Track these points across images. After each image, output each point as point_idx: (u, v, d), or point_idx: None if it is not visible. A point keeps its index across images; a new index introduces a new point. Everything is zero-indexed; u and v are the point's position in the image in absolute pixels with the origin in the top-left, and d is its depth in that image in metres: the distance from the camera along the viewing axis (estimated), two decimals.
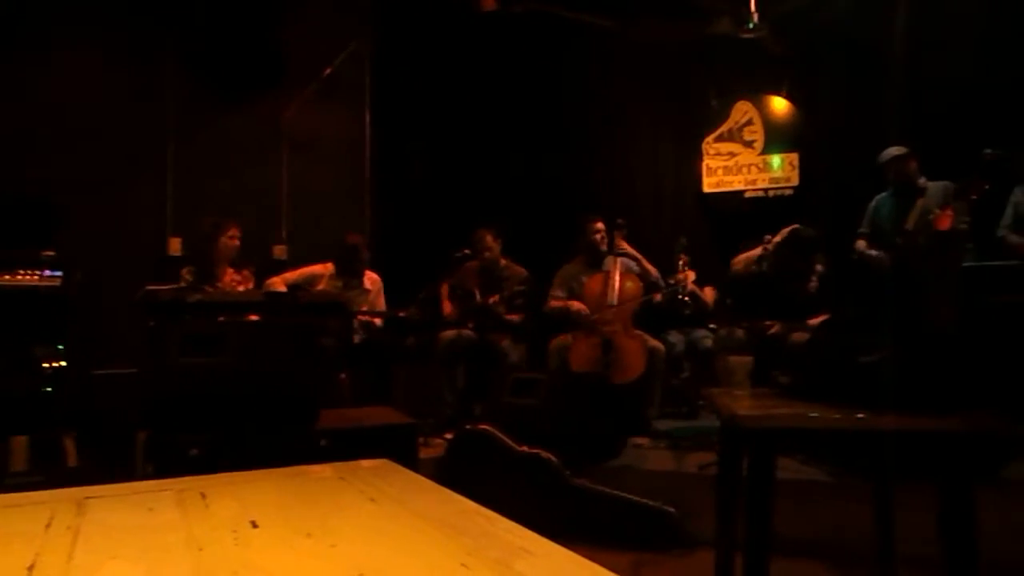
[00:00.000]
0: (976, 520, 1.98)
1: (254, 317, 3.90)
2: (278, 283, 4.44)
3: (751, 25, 4.94)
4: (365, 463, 1.52)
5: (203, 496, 1.26)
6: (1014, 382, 3.41)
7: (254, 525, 1.09)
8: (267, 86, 5.19)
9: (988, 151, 3.58)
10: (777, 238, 4.08)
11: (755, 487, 2.06)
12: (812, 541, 2.99)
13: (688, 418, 4.70)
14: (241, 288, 4.10)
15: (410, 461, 3.00)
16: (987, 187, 3.75)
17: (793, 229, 4.19)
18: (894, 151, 4.21)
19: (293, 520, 1.13)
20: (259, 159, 5.22)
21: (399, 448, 2.99)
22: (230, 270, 4.16)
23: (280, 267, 4.92)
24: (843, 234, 4.65)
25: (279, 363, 2.81)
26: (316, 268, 4.60)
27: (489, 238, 4.72)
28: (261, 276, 4.50)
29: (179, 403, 2.67)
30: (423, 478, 1.41)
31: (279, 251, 5.26)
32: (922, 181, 4.17)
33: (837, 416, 1.97)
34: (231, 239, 4.17)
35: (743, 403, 2.25)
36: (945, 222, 3.89)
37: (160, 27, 4.90)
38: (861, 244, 4.43)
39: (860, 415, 1.97)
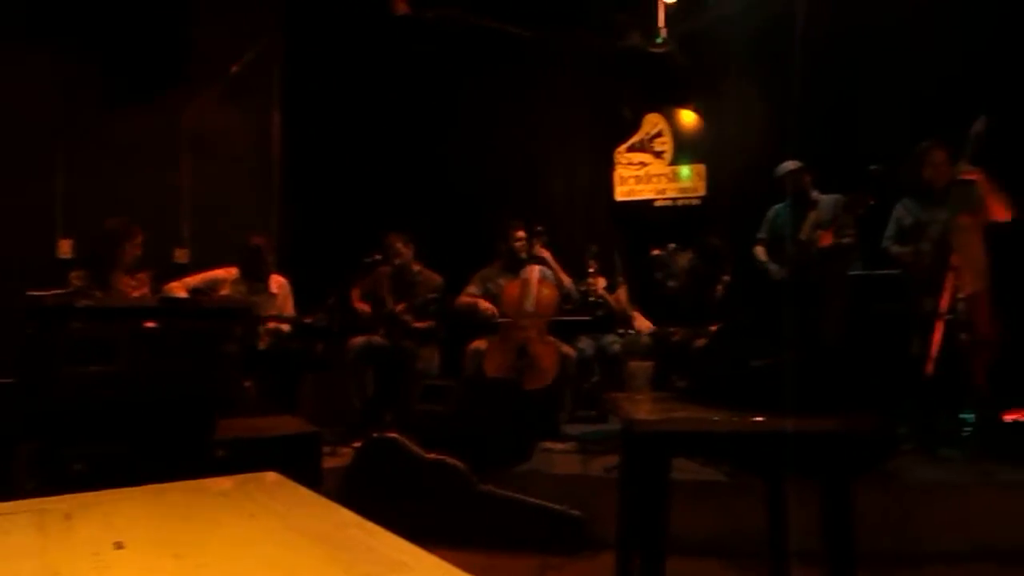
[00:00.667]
0: (855, 514, 2.10)
1: (150, 324, 3.74)
2: (178, 288, 4.24)
3: (659, 40, 5.09)
4: (252, 477, 1.47)
5: (67, 517, 1.18)
6: (892, 384, 3.64)
7: (119, 547, 1.03)
8: (169, 83, 4.96)
9: (874, 167, 3.80)
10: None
11: (651, 489, 2.12)
12: (709, 539, 3.10)
13: (597, 421, 4.78)
14: (136, 294, 3.91)
15: (313, 472, 2.93)
16: (872, 203, 3.98)
17: (702, 241, 4.37)
18: (789, 165, 4.43)
19: (163, 540, 1.08)
20: (159, 159, 4.98)
21: (301, 459, 2.92)
22: (124, 276, 3.96)
23: (181, 271, 4.71)
24: (746, 242, 4.84)
25: (174, 372, 2.70)
26: (219, 272, 4.43)
27: (400, 244, 4.67)
28: (161, 281, 4.30)
29: (64, 415, 2.53)
30: (310, 492, 1.37)
31: (180, 255, 5.04)
32: (815, 194, 4.40)
33: (726, 419, 2.04)
34: (136, 247, 4.00)
35: (642, 407, 2.30)
36: (827, 240, 4.12)
37: (52, 19, 4.61)
38: (759, 251, 4.63)
39: (745, 417, 2.05)
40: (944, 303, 3.62)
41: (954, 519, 3.15)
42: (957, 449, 3.57)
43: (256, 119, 5.46)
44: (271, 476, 1.48)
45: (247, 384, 4.15)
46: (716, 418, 2.07)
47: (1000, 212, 3.71)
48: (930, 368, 3.58)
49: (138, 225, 4.06)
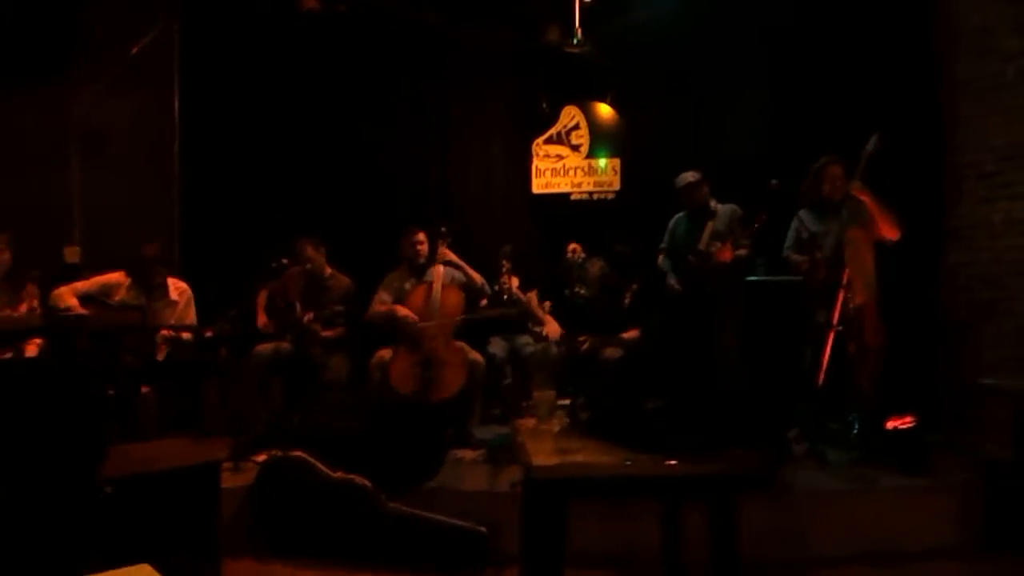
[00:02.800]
0: (744, 522, 2.22)
1: (33, 345, 3.53)
2: (67, 294, 4.00)
3: (575, 40, 5.09)
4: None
5: None
6: (785, 394, 3.82)
7: None
8: (55, 71, 4.62)
9: (773, 181, 3.93)
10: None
11: (549, 529, 2.16)
12: (607, 554, 3.20)
13: (509, 422, 4.82)
14: (24, 307, 3.65)
15: (210, 503, 2.85)
16: (766, 218, 4.14)
17: (613, 249, 4.43)
18: (688, 177, 4.53)
19: None
20: (46, 152, 4.67)
21: (198, 490, 2.83)
22: (5, 292, 3.67)
23: (73, 272, 4.46)
24: (657, 242, 4.93)
25: (51, 405, 2.53)
26: (113, 276, 4.19)
27: (311, 248, 4.53)
28: (48, 285, 4.05)
29: None
30: None
31: (71, 254, 4.74)
32: (713, 204, 4.53)
33: (618, 465, 2.11)
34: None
35: (543, 447, 2.33)
36: (726, 254, 4.26)
37: None
38: (661, 259, 4.74)
39: (636, 463, 2.12)
40: (835, 316, 3.80)
41: (838, 524, 3.36)
42: (844, 452, 3.79)
43: (154, 109, 5.13)
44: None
45: (145, 395, 3.99)
46: (609, 463, 2.13)
47: (888, 230, 3.91)
48: (821, 378, 3.77)
49: (2, 232, 3.72)
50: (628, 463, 2.12)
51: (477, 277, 4.64)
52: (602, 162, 6.10)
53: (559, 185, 6.16)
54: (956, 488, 3.50)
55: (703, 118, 5.59)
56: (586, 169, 6.13)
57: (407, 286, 4.55)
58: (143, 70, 4.84)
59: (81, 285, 4.09)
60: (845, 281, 3.82)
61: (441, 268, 4.52)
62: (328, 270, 4.64)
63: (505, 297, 4.81)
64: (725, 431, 2.42)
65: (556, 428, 2.61)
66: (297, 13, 5.09)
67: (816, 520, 3.34)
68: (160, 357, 4.12)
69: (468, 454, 4.02)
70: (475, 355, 4.33)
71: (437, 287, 4.41)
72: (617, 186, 6.05)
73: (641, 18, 5.41)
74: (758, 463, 2.35)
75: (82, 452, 2.58)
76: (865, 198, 3.86)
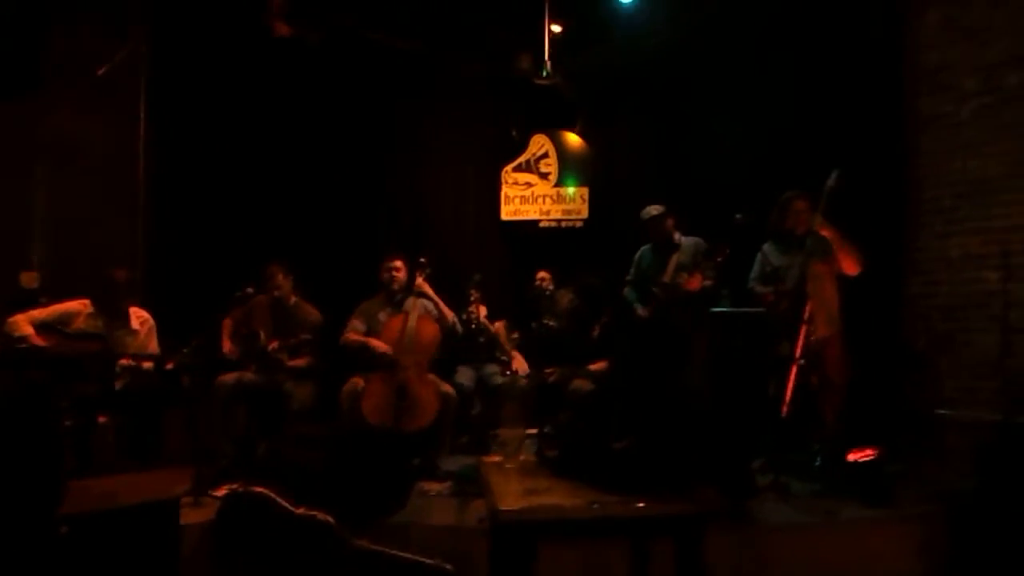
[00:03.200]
0: (709, 556, 2.24)
1: None
2: (23, 323, 3.89)
3: (545, 73, 5.15)
4: None
5: None
6: (749, 425, 3.86)
7: None
8: (22, 90, 4.52)
9: (739, 216, 4.00)
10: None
11: (517, 568, 2.16)
12: None
13: (479, 452, 4.79)
14: None
15: (169, 541, 2.78)
16: (728, 251, 4.20)
17: (582, 281, 4.45)
18: (652, 211, 4.59)
19: None
20: (7, 172, 4.55)
21: (156, 528, 2.76)
22: None
23: (30, 297, 4.34)
24: (625, 270, 4.97)
25: (5, 445, 2.46)
26: (72, 304, 4.08)
27: (280, 275, 4.47)
28: (2, 310, 3.94)
29: None
30: None
31: (28, 279, 4.60)
32: (677, 236, 4.60)
33: (583, 508, 2.12)
34: None
35: (510, 488, 2.33)
36: (695, 283, 4.31)
37: None
38: (627, 290, 4.78)
39: (601, 505, 2.13)
40: (798, 349, 3.85)
41: (801, 557, 3.37)
42: (807, 484, 3.83)
43: (120, 130, 5.04)
44: None
45: (103, 425, 3.89)
46: (576, 506, 2.13)
47: (849, 266, 3.99)
48: (785, 410, 3.82)
49: None
50: (595, 505, 2.13)
51: (449, 314, 4.61)
52: (571, 190, 6.16)
53: (528, 212, 6.21)
54: (918, 519, 3.54)
55: (671, 148, 5.68)
56: (555, 197, 6.20)
57: (382, 316, 4.50)
58: (110, 92, 4.77)
59: (37, 313, 3.99)
60: (807, 315, 3.88)
61: (417, 300, 4.49)
62: (293, 299, 4.57)
63: (473, 326, 4.81)
64: (691, 467, 2.44)
65: (523, 466, 2.61)
66: (268, 38, 5.06)
67: (780, 552, 3.35)
68: (119, 386, 4.02)
69: (435, 486, 3.96)
70: (447, 388, 4.30)
71: (413, 318, 4.38)
72: (585, 214, 6.12)
73: (611, 49, 5.50)
74: (722, 501, 2.37)
75: (38, 492, 2.51)
76: (828, 234, 3.94)
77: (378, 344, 4.35)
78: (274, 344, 4.20)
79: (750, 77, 5.37)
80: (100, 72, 4.87)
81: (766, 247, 4.29)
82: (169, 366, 3.85)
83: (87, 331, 4.04)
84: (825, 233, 3.93)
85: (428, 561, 3.20)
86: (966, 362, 4.52)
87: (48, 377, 3.57)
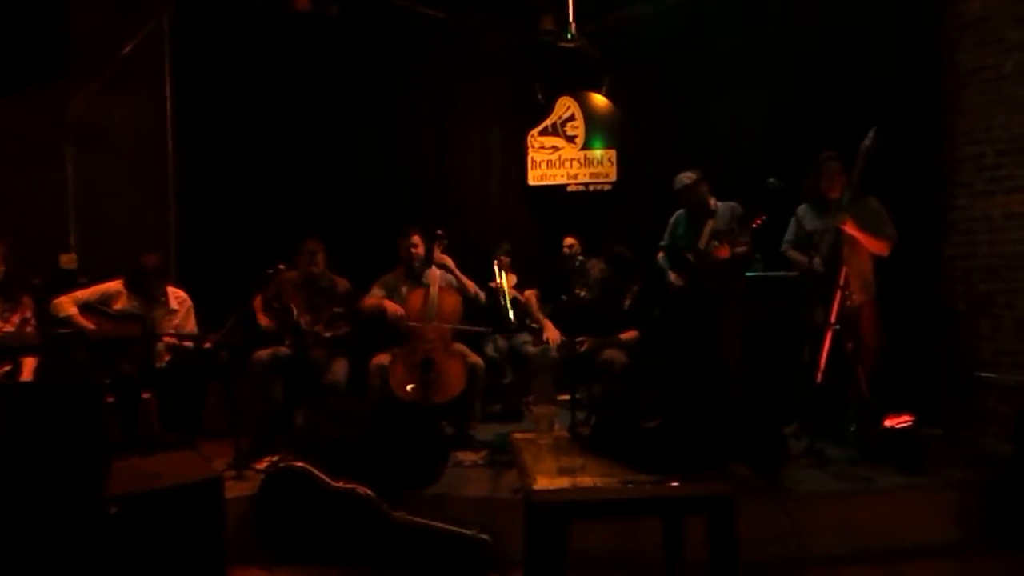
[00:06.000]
0: (744, 525, 2.26)
1: (30, 361, 3.53)
2: (67, 304, 3.99)
3: (569, 35, 5.03)
4: None
5: None
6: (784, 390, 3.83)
7: None
8: (49, 74, 4.56)
9: (771, 180, 3.90)
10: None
11: (550, 551, 2.19)
12: (609, 555, 3.23)
13: (510, 419, 4.85)
14: (16, 319, 3.64)
15: (214, 517, 2.87)
16: (764, 218, 4.12)
17: (612, 251, 4.41)
18: (685, 179, 4.48)
19: None
20: (40, 156, 4.62)
21: (201, 506, 2.84)
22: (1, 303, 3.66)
23: (69, 278, 4.44)
24: (655, 234, 4.90)
25: (52, 430, 2.52)
26: (113, 285, 4.17)
27: (320, 251, 4.48)
28: (45, 291, 4.04)
29: None
30: None
31: (67, 260, 4.71)
32: (713, 202, 4.49)
33: (617, 488, 2.14)
34: None
35: (544, 465, 2.35)
36: (724, 252, 4.25)
37: None
38: (660, 257, 4.72)
39: (635, 484, 2.15)
40: (833, 315, 3.80)
41: (836, 524, 3.38)
42: (842, 450, 3.82)
43: (145, 110, 5.08)
44: None
45: (147, 401, 4.00)
46: (609, 486, 2.15)
47: (877, 251, 3.93)
48: (819, 376, 3.79)
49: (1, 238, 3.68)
50: (629, 485, 2.14)
51: (471, 285, 4.59)
52: (598, 153, 6.07)
53: (555, 177, 6.14)
54: (954, 486, 3.53)
55: (700, 108, 5.55)
56: (582, 160, 6.10)
57: (404, 289, 4.52)
58: (134, 73, 4.79)
59: (81, 294, 4.08)
60: (842, 280, 3.82)
61: (437, 271, 4.49)
62: (324, 272, 4.61)
63: (502, 301, 4.81)
64: (724, 442, 2.44)
65: (556, 443, 2.63)
66: (288, 11, 5.02)
67: (815, 520, 3.36)
68: (161, 364, 4.12)
69: (469, 456, 4.03)
70: (475, 358, 4.33)
71: (434, 290, 4.39)
72: (614, 177, 6.02)
73: (636, 8, 5.36)
74: (755, 474, 2.37)
75: (85, 474, 2.59)
76: (853, 231, 3.86)
77: (392, 306, 4.36)
78: (309, 318, 4.23)
79: (781, 33, 5.21)
80: (124, 52, 4.88)
81: (800, 211, 4.20)
82: (207, 344, 3.92)
83: (129, 311, 4.13)
84: (850, 231, 3.85)
85: (466, 532, 3.28)
86: (1006, 325, 4.42)
87: (91, 357, 3.66)
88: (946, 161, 4.76)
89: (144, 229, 4.69)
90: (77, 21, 4.64)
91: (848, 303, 3.83)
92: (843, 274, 3.84)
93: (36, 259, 4.19)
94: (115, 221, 4.78)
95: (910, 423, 3.65)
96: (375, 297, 4.49)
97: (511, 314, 4.37)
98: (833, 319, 3.80)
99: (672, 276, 4.49)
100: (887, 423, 3.69)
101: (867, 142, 3.87)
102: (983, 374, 4.40)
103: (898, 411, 3.73)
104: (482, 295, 4.58)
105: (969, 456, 3.92)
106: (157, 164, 5.13)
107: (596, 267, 4.49)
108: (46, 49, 4.53)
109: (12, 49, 4.42)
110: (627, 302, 4.36)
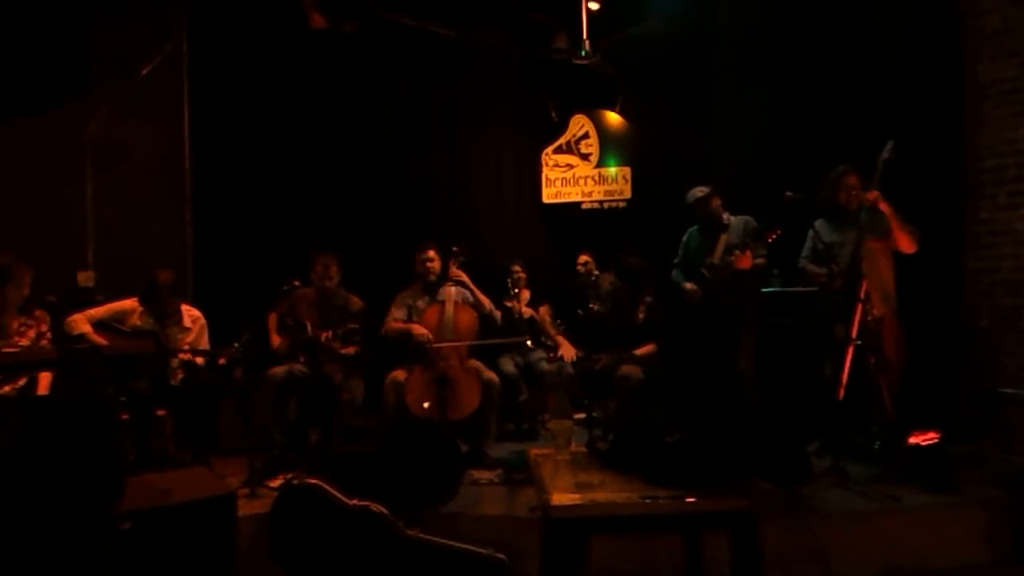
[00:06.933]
0: (767, 545, 2.19)
1: (46, 375, 3.53)
2: (81, 321, 4.00)
3: (583, 52, 5.05)
4: None
5: None
6: (805, 407, 3.76)
7: None
8: (68, 93, 4.63)
9: (788, 193, 3.86)
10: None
11: (564, 570, 2.14)
12: (630, 572, 3.16)
13: (525, 438, 4.79)
14: (32, 333, 3.65)
15: (227, 536, 2.84)
16: (781, 231, 4.08)
17: (621, 262, 4.37)
18: (697, 193, 4.47)
19: None
20: (59, 174, 4.67)
21: (214, 523, 2.82)
22: (15, 317, 3.67)
23: (86, 295, 4.46)
24: (671, 251, 4.87)
25: (67, 445, 2.51)
26: (127, 303, 4.17)
27: (334, 266, 4.47)
28: (62, 311, 4.05)
29: None
30: None
31: (84, 278, 4.74)
32: (726, 217, 4.47)
33: (635, 503, 2.09)
34: (21, 287, 3.64)
35: (561, 482, 2.31)
36: (745, 262, 4.20)
37: None
38: (674, 273, 4.69)
39: (654, 499, 2.10)
40: (854, 329, 3.73)
41: (862, 543, 3.29)
42: (866, 467, 3.73)
43: (164, 130, 5.13)
44: None
45: (161, 418, 3.99)
46: (627, 502, 2.10)
47: (905, 244, 3.85)
48: (841, 392, 3.71)
49: (25, 264, 3.67)
50: (647, 501, 2.09)
51: (486, 301, 4.57)
52: (612, 170, 6.07)
53: (570, 195, 6.15)
54: (983, 504, 3.43)
55: (714, 123, 5.54)
56: (596, 178, 6.12)
57: (420, 304, 4.51)
58: (153, 92, 4.85)
59: (95, 311, 4.09)
60: (863, 294, 3.76)
61: (452, 288, 4.48)
62: (338, 288, 4.60)
63: (516, 317, 4.78)
64: (745, 458, 2.38)
65: (573, 458, 2.58)
66: (305, 29, 5.08)
67: (840, 539, 3.27)
68: (174, 382, 4.11)
69: (484, 474, 3.98)
70: (490, 374, 4.29)
71: (450, 306, 4.37)
72: (628, 194, 6.02)
73: (649, 25, 5.37)
74: (778, 491, 2.31)
75: (99, 489, 2.57)
76: (885, 208, 3.79)
77: (419, 330, 4.33)
78: (326, 334, 4.21)
79: (795, 46, 5.19)
80: (143, 73, 4.94)
81: (818, 224, 4.15)
82: (221, 361, 3.91)
83: (142, 328, 4.14)
84: (883, 207, 3.78)
85: (481, 551, 3.21)
86: None
87: (107, 373, 3.65)
88: (967, 173, 4.70)
89: (161, 247, 4.71)
90: (97, 43, 4.71)
91: (869, 316, 3.76)
92: (863, 287, 3.77)
93: (54, 276, 4.20)
94: (133, 240, 4.81)
95: (936, 440, 3.56)
96: (398, 321, 4.48)
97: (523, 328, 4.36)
98: (854, 334, 3.73)
99: (688, 285, 4.45)
100: (912, 440, 3.60)
101: (885, 154, 3.82)
102: (1008, 390, 4.31)
103: (922, 428, 3.64)
104: (497, 313, 4.56)
105: (995, 473, 3.81)
106: (174, 183, 5.17)
107: (607, 280, 4.46)
108: (66, 70, 4.60)
109: (33, 70, 4.48)
110: (641, 313, 4.31)
